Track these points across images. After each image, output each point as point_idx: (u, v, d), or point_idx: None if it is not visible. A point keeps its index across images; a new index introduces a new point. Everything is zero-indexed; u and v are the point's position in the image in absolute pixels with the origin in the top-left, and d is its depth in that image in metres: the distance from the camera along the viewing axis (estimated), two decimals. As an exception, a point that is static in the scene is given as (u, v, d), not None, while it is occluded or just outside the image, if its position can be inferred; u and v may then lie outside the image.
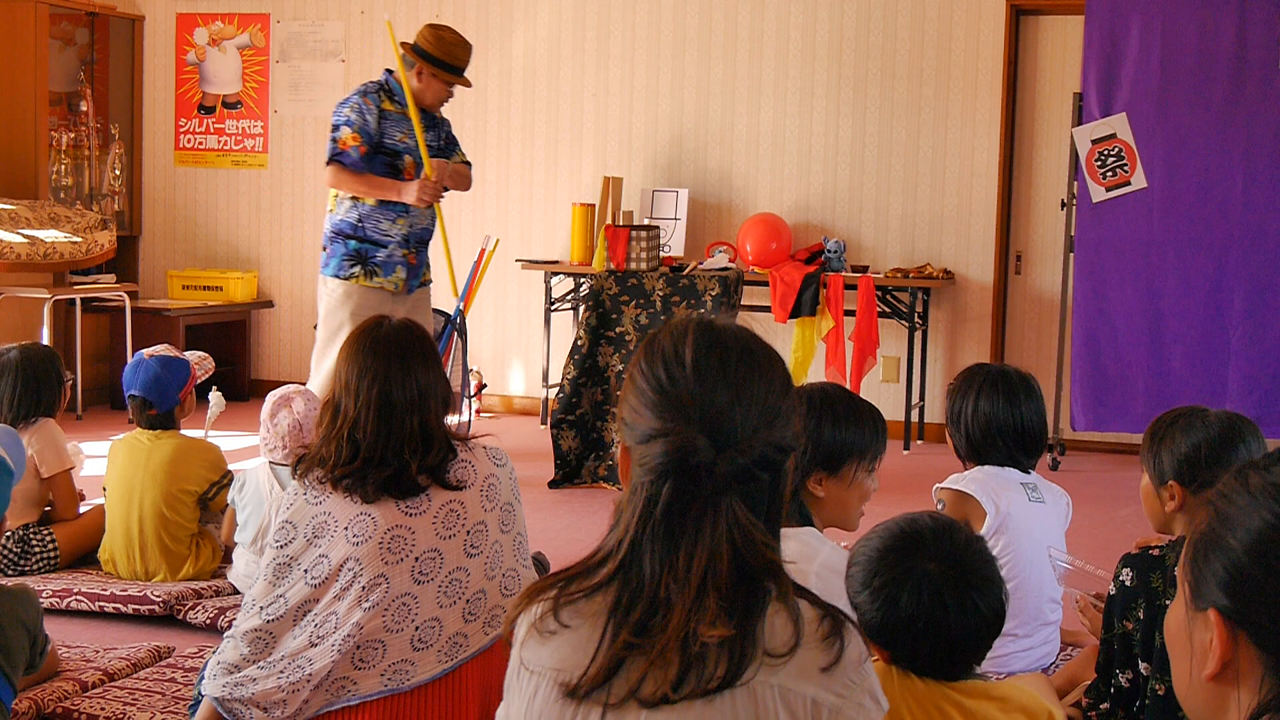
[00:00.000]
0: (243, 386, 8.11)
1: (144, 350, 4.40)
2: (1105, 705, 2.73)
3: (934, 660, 2.03)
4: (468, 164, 5.93)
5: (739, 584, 1.51)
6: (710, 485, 1.52)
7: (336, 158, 5.53)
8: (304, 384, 4.52)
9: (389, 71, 5.69)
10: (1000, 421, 3.39)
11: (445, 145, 5.81)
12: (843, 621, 1.53)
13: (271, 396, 3.96)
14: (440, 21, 8.37)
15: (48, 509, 4.42)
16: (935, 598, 2.00)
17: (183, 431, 4.40)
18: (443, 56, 5.58)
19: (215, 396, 4.90)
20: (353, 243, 5.61)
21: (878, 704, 1.53)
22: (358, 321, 5.62)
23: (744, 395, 1.55)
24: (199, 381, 4.47)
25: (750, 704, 1.48)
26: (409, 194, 5.52)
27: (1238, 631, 1.21)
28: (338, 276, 5.60)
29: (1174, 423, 2.79)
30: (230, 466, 4.35)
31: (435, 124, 5.75)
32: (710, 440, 1.52)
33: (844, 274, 6.91)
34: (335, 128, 5.58)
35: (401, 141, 5.60)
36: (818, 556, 2.43)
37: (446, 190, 5.72)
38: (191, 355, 4.50)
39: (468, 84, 5.76)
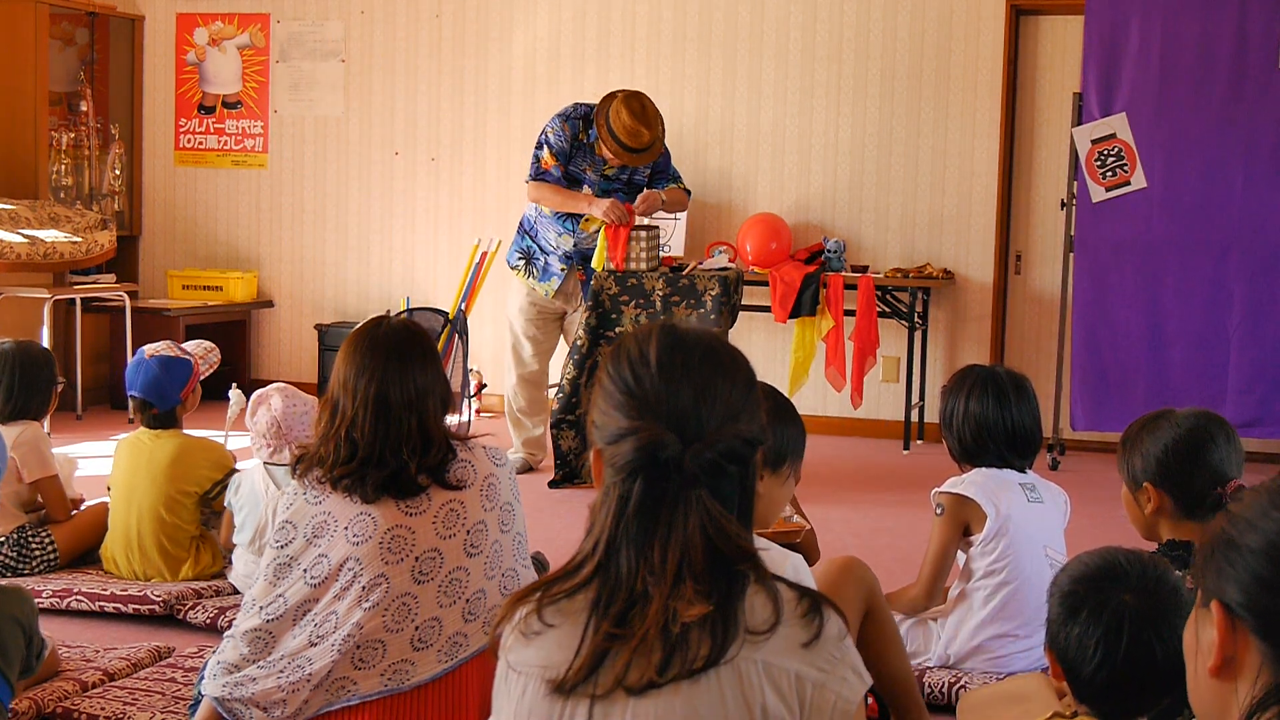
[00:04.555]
0: (243, 386, 8.05)
1: (146, 347, 4.33)
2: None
3: (1126, 699, 2.02)
4: (687, 191, 6.21)
5: (715, 571, 1.54)
6: (680, 480, 1.56)
7: (539, 176, 5.96)
8: (300, 384, 4.51)
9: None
10: (990, 423, 3.39)
11: (630, 187, 6.03)
12: (820, 600, 1.57)
13: (253, 397, 3.96)
14: (443, 21, 8.32)
15: (42, 511, 4.39)
16: (1136, 632, 1.99)
17: (186, 431, 4.36)
18: (617, 132, 5.77)
19: (235, 394, 4.84)
20: (526, 240, 6.13)
21: (860, 678, 1.57)
22: (524, 316, 6.15)
23: (708, 393, 1.59)
24: (205, 376, 4.43)
25: (735, 682, 1.51)
26: (598, 209, 5.87)
27: (1238, 624, 1.23)
28: (508, 262, 6.19)
29: (1143, 427, 2.87)
30: (238, 465, 4.29)
31: (625, 166, 5.96)
32: (678, 436, 1.56)
33: (844, 274, 6.91)
34: (538, 146, 5.98)
35: (585, 172, 5.97)
36: (787, 561, 2.45)
37: (642, 221, 6.03)
38: (197, 348, 4.44)
39: (642, 163, 5.92)
